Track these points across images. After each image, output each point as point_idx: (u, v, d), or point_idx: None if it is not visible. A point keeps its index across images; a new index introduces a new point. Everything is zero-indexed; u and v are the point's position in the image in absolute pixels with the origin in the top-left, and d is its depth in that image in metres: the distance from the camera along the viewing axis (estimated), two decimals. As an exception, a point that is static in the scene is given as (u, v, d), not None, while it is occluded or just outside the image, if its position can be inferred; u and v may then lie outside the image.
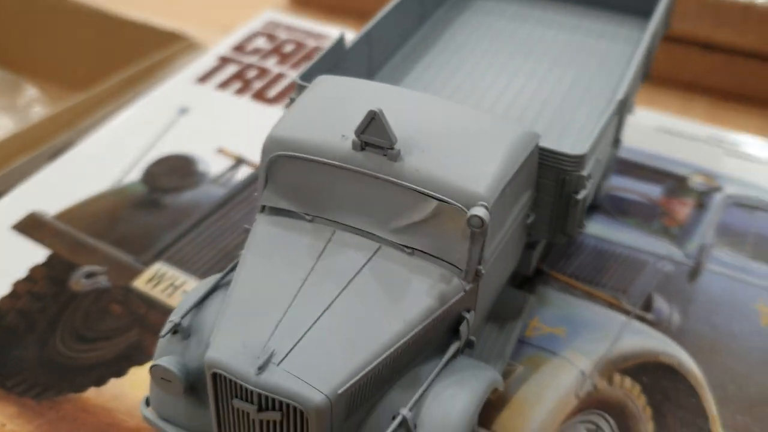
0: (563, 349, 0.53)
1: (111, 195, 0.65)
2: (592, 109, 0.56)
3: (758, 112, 0.81)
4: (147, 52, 0.84)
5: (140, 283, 0.57)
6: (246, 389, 0.35)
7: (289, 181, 0.42)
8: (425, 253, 0.40)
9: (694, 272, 0.60)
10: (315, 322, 0.37)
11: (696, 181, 0.68)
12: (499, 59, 0.61)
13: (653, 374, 0.52)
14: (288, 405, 0.35)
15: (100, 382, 0.50)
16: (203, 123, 0.73)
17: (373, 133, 0.39)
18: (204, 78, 0.79)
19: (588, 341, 0.54)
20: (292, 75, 0.80)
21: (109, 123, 0.73)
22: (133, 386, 0.50)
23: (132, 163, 0.68)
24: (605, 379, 0.51)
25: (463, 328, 0.40)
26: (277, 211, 0.43)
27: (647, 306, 0.57)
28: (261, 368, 0.35)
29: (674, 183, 0.68)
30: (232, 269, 0.44)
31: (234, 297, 0.39)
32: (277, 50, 0.84)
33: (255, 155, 0.69)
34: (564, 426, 0.48)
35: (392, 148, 0.39)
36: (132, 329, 0.54)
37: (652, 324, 0.56)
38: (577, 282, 0.59)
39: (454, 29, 0.65)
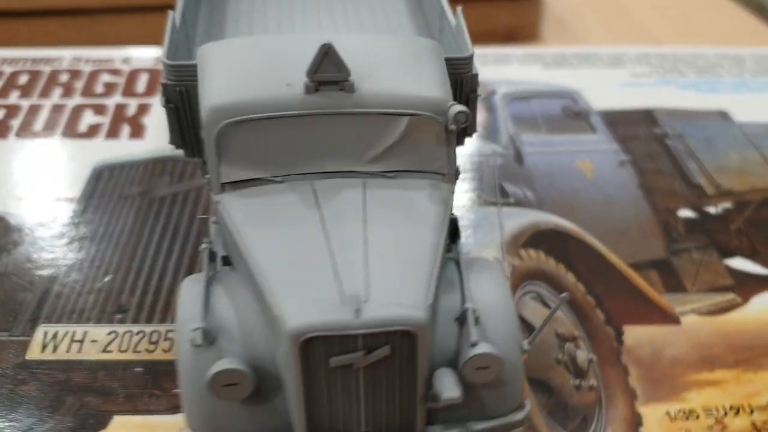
0: (470, 252, 0.58)
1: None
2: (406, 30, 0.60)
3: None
4: None
5: (35, 354, 0.48)
6: (348, 339, 0.34)
7: (244, 148, 0.40)
8: (407, 171, 0.41)
9: (518, 157, 0.69)
10: (366, 258, 0.36)
11: (473, 92, 0.78)
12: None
13: (545, 239, 0.60)
14: (391, 336, 0.34)
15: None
16: (-15, 176, 0.62)
17: (327, 70, 0.39)
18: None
19: (483, 235, 0.60)
20: (48, 104, 0.72)
21: None
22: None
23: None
24: (515, 257, 0.58)
25: (459, 226, 0.43)
26: (240, 185, 0.40)
27: (504, 193, 0.65)
28: (358, 311, 0.33)
29: (459, 97, 0.76)
30: (211, 262, 0.41)
31: (267, 270, 0.36)
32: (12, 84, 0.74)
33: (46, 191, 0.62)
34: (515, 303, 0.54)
35: (348, 80, 0.40)
36: (66, 399, 0.45)
37: (517, 205, 0.64)
38: (443, 195, 0.64)
39: None
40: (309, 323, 0.33)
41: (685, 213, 0.63)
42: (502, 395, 0.39)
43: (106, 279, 0.54)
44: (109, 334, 0.50)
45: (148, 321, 0.51)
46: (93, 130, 0.68)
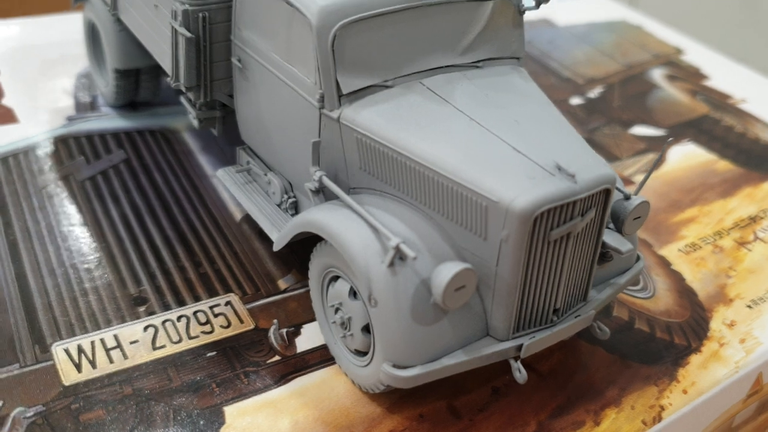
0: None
1: None
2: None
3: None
4: None
5: (73, 377, 0.38)
6: (566, 208, 0.33)
7: (356, 54, 0.37)
8: (492, 59, 0.41)
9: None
10: (532, 135, 0.35)
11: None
12: None
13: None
14: (595, 198, 0.34)
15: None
16: None
17: None
18: None
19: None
20: None
21: None
22: None
23: None
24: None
25: None
26: (355, 96, 0.37)
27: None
28: (573, 177, 0.33)
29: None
30: (347, 192, 0.37)
31: (452, 166, 0.34)
32: None
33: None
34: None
35: None
36: (154, 409, 0.37)
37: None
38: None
39: None
40: (538, 198, 0.32)
41: (576, 101, 0.71)
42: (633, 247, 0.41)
43: (97, 275, 0.44)
44: (146, 329, 0.41)
45: (181, 304, 0.43)
46: (-56, 124, 0.54)
